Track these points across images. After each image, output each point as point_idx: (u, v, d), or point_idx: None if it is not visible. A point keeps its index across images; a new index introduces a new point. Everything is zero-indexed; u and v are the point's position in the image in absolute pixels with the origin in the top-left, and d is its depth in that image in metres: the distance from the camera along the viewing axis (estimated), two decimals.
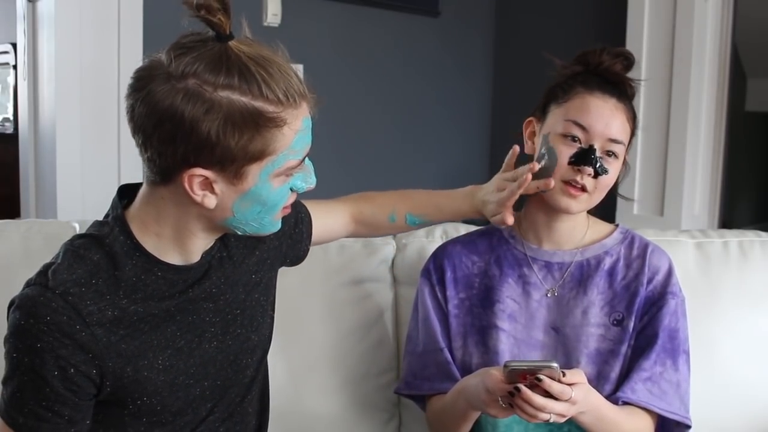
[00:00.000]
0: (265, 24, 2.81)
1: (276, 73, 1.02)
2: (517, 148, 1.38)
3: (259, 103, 1.01)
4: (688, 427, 1.35)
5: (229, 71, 0.99)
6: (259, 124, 1.01)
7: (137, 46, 2.47)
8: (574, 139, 1.30)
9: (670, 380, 1.33)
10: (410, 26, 3.36)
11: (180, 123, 0.99)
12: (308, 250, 1.40)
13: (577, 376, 1.17)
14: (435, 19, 3.44)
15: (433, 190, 1.47)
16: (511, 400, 1.15)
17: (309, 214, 1.38)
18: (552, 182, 1.30)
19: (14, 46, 3.42)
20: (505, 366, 1.14)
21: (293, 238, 1.35)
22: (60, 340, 1.02)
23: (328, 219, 1.42)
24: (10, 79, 4.08)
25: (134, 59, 2.40)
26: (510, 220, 1.34)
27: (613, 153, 1.30)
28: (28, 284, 1.07)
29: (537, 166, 1.31)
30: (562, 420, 1.17)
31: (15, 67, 3.77)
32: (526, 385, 1.13)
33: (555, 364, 1.13)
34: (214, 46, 1.01)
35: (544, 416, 1.14)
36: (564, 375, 1.14)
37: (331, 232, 1.44)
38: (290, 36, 2.89)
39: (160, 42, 1.05)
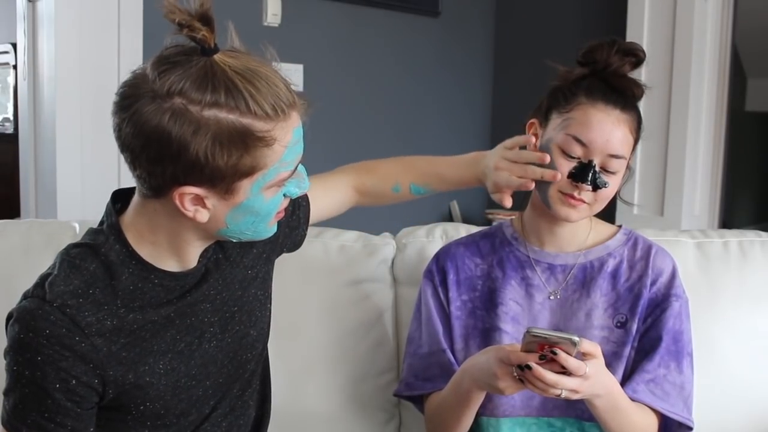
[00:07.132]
0: (265, 24, 2.81)
1: (263, 86, 0.99)
2: (533, 139, 1.34)
3: (247, 120, 0.98)
4: (690, 429, 1.34)
5: (216, 88, 0.97)
6: (248, 143, 0.99)
7: (137, 46, 2.47)
8: (573, 154, 1.27)
9: (673, 382, 1.32)
10: (410, 26, 3.35)
11: (168, 144, 0.97)
12: (305, 235, 1.39)
13: (594, 348, 1.16)
14: (435, 19, 3.44)
15: (435, 156, 1.46)
16: (522, 375, 1.15)
17: (308, 199, 1.36)
18: (559, 175, 1.28)
19: (14, 46, 3.42)
20: (528, 331, 1.13)
21: (290, 226, 1.33)
22: (60, 353, 1.01)
23: (329, 197, 1.40)
24: (10, 79, 4.08)
25: (134, 59, 2.40)
26: (508, 203, 1.34)
27: (612, 169, 1.28)
28: (25, 296, 1.05)
29: (547, 158, 1.29)
30: (576, 396, 1.16)
31: (15, 67, 3.77)
32: (542, 355, 1.12)
33: (576, 338, 1.11)
34: (199, 61, 0.99)
35: (556, 391, 1.13)
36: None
37: (333, 208, 1.43)
38: (290, 36, 2.89)
39: (160, 42, 1.04)
